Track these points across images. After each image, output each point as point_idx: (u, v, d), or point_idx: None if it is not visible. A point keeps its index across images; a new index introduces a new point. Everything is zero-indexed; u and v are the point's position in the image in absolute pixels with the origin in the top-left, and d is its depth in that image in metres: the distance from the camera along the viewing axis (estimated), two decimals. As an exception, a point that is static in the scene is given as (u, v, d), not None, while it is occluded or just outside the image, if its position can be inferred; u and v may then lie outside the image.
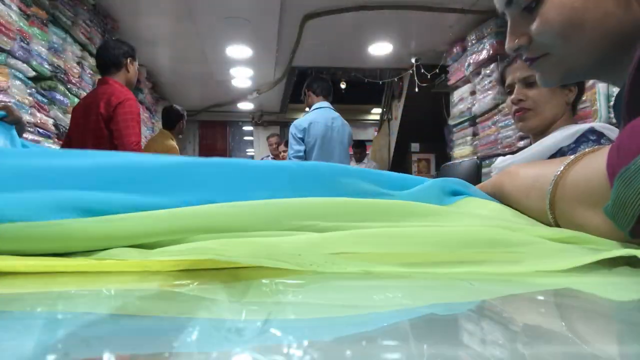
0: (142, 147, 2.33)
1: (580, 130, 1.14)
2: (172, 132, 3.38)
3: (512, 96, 1.28)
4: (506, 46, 0.66)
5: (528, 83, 1.25)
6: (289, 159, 2.96)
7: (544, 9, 0.59)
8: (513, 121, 1.35)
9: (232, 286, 0.33)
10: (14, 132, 1.00)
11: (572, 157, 0.47)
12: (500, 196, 0.58)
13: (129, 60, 2.35)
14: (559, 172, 0.47)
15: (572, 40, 0.59)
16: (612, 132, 1.12)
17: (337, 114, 3.06)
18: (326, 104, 3.05)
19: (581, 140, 1.13)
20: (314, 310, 0.27)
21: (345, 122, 3.10)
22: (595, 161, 0.43)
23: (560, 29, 0.59)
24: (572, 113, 1.27)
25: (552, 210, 0.48)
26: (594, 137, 1.12)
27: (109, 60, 2.32)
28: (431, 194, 0.54)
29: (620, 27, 0.56)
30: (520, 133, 3.08)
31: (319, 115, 2.99)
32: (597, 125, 1.15)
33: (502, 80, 1.35)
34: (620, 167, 0.37)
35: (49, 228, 0.38)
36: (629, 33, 0.56)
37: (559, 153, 1.16)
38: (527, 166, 0.57)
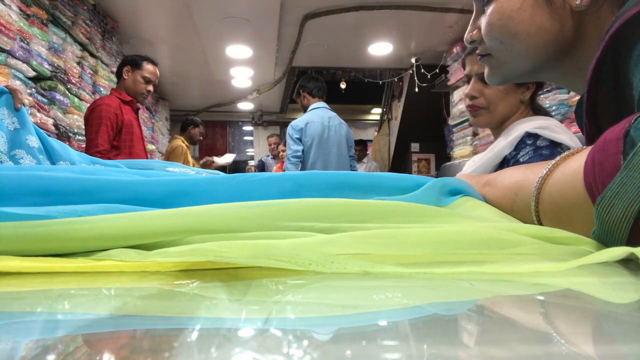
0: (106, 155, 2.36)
1: (518, 136, 1.15)
2: (182, 135, 4.12)
3: (467, 90, 1.29)
4: (464, 36, 0.69)
5: (484, 79, 1.25)
6: (287, 159, 2.96)
7: (491, 11, 0.62)
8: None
9: (232, 286, 0.33)
10: (24, 111, 1.00)
11: (545, 167, 0.47)
12: None
13: (125, 69, 2.47)
14: (536, 188, 0.47)
15: (508, 46, 0.61)
16: (547, 130, 1.13)
17: (333, 114, 3.07)
18: (322, 104, 3.06)
19: (520, 146, 1.14)
20: (314, 310, 0.27)
21: (342, 121, 3.11)
22: (567, 174, 0.43)
23: (499, 34, 0.61)
24: (531, 107, 1.27)
25: (540, 224, 0.48)
26: (530, 140, 1.13)
27: (116, 73, 2.54)
28: (429, 196, 0.54)
29: (556, 42, 0.59)
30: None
31: (315, 115, 3.00)
32: (531, 127, 1.15)
33: (463, 66, 1.36)
34: (597, 186, 0.37)
35: (49, 228, 0.38)
36: (564, 46, 0.59)
37: (504, 161, 1.17)
38: (504, 176, 0.57)
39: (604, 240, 0.37)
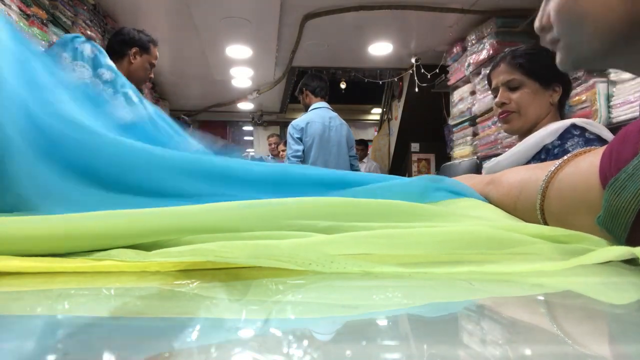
0: None
1: (562, 126, 1.17)
2: None
3: (497, 99, 1.32)
4: (535, 25, 0.66)
5: (511, 87, 1.29)
6: (288, 159, 2.96)
7: None
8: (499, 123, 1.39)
9: (232, 286, 0.33)
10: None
11: (556, 162, 0.47)
12: None
13: (132, 51, 2.07)
14: (544, 182, 0.47)
15: (576, 30, 0.59)
16: (594, 127, 1.15)
17: (334, 114, 3.07)
18: (324, 104, 3.06)
19: (566, 136, 1.16)
20: (314, 310, 0.27)
21: (343, 121, 3.10)
22: (580, 167, 0.44)
23: (565, 18, 0.60)
24: (559, 112, 1.30)
25: (543, 220, 0.48)
26: (577, 132, 1.15)
27: (110, 46, 2.10)
28: (414, 189, 0.54)
29: (625, 21, 0.56)
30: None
31: (316, 115, 3.00)
32: (578, 120, 1.17)
33: (489, 83, 1.40)
34: (612, 174, 0.37)
35: (49, 228, 0.38)
36: (636, 25, 0.55)
37: (543, 150, 1.18)
38: (509, 174, 0.57)
39: (608, 226, 0.37)
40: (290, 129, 3.00)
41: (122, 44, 2.09)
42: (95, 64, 1.01)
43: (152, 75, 2.19)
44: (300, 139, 2.97)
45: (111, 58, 2.10)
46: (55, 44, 1.04)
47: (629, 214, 0.35)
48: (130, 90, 0.99)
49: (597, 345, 0.21)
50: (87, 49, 1.02)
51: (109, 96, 0.95)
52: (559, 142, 1.16)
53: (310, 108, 3.06)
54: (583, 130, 1.15)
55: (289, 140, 2.99)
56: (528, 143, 1.21)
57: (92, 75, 0.97)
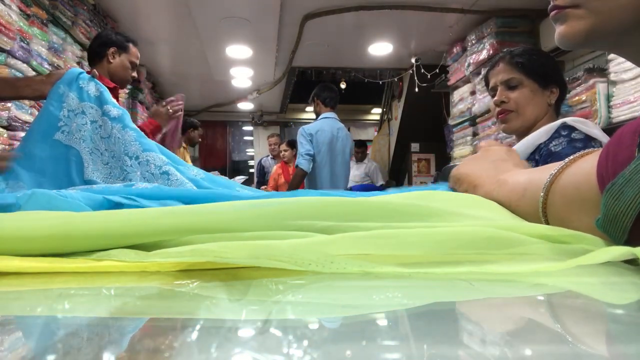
0: None
1: (554, 126, 1.18)
2: (181, 138, 4.21)
3: (495, 98, 1.32)
4: None
5: (510, 85, 1.29)
6: (301, 155, 3.19)
7: None
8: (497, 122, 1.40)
9: (232, 286, 0.33)
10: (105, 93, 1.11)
11: (561, 163, 0.47)
12: None
13: (110, 50, 2.05)
14: (549, 181, 0.47)
15: None
16: (585, 125, 1.15)
17: (341, 125, 3.35)
18: (332, 114, 3.33)
19: (553, 136, 1.16)
20: (314, 310, 0.27)
21: (348, 133, 3.41)
22: (584, 167, 0.44)
23: None
24: (556, 114, 1.30)
25: (545, 218, 0.48)
26: (565, 132, 1.15)
27: (91, 49, 2.11)
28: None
29: None
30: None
31: (325, 124, 3.27)
32: (570, 119, 1.18)
33: (486, 83, 1.40)
34: (609, 176, 0.37)
35: (49, 228, 0.38)
36: None
37: (537, 150, 1.19)
38: (515, 174, 0.57)
39: (607, 229, 0.37)
40: (301, 131, 3.26)
41: (100, 46, 2.07)
42: (102, 101, 1.08)
43: (135, 75, 2.17)
44: (311, 141, 3.24)
45: (92, 62, 2.10)
46: (61, 79, 1.08)
47: (627, 219, 0.35)
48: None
49: (597, 345, 0.21)
50: (92, 88, 1.09)
51: (119, 132, 1.02)
52: (548, 141, 1.17)
53: (320, 117, 3.34)
54: (572, 129, 1.15)
55: (302, 140, 3.24)
56: (524, 143, 1.22)
57: (101, 115, 1.05)
